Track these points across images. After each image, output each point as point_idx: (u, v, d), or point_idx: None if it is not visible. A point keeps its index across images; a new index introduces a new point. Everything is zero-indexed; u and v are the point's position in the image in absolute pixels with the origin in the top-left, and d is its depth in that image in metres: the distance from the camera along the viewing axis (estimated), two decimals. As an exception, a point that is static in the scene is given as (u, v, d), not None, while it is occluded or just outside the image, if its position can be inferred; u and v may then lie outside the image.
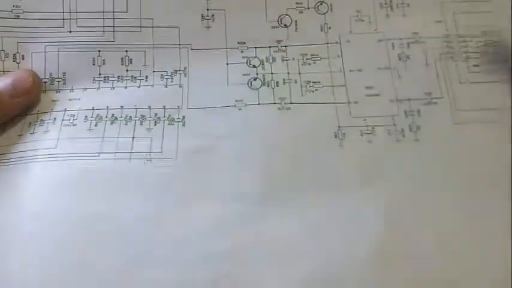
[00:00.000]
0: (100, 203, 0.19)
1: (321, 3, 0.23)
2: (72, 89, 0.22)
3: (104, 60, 0.22)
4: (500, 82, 0.22)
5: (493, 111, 0.21)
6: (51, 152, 0.20)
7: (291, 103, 0.22)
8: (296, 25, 0.23)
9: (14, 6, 0.22)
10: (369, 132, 0.21)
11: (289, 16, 0.23)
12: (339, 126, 0.21)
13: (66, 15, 0.22)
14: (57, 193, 0.19)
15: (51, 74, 0.22)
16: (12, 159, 0.20)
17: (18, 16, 0.22)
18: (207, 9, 0.23)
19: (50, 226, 0.19)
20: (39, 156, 0.20)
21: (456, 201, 0.20)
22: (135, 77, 0.22)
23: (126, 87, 0.22)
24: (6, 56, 0.22)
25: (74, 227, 0.19)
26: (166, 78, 0.22)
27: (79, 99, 0.22)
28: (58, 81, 0.22)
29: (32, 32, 0.22)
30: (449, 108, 0.21)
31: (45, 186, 0.19)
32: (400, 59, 0.22)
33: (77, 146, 0.20)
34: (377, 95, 0.22)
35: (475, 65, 0.22)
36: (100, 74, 0.22)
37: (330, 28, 0.23)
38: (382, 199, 0.19)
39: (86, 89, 0.22)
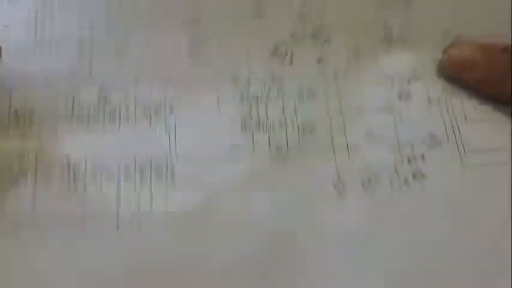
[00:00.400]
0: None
1: (319, 36, 0.22)
2: (41, 129, 0.20)
3: (79, 98, 0.20)
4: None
5: (505, 151, 0.20)
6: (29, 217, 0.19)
7: (288, 151, 0.20)
8: (292, 58, 0.22)
9: None
10: (369, 182, 0.20)
11: (285, 49, 0.22)
12: (338, 176, 0.20)
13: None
14: (30, 267, 0.18)
15: (16, 111, 0.20)
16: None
17: None
18: (195, 40, 0.21)
19: None
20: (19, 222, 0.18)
21: (469, 263, 0.18)
22: (115, 116, 0.20)
23: (104, 128, 0.20)
24: None
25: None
26: (151, 118, 0.20)
27: (51, 143, 0.20)
28: (23, 119, 0.20)
29: None
30: (456, 150, 0.20)
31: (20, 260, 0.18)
32: (400, 97, 0.21)
33: (58, 212, 0.19)
34: (378, 139, 0.20)
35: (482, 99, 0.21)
36: (73, 114, 0.20)
37: (327, 63, 0.22)
38: (383, 260, 0.18)
39: (56, 129, 0.20)
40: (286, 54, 0.21)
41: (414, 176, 0.20)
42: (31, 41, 0.21)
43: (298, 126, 0.20)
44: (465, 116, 0.20)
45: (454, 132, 0.20)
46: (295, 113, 0.21)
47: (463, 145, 0.20)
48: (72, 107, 0.20)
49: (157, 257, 0.18)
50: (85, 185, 0.19)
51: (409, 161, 0.20)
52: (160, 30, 0.21)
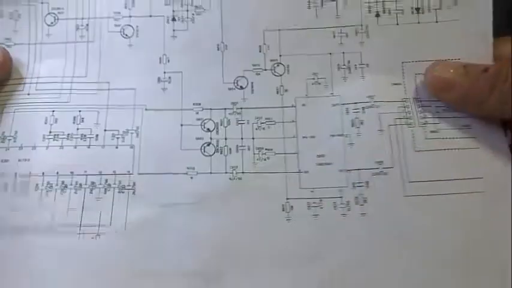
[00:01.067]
0: (51, 281, 0.20)
1: (278, 65, 0.23)
2: (22, 147, 0.22)
3: (56, 119, 0.23)
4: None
5: (451, 182, 0.21)
6: (5, 223, 0.21)
7: (243, 173, 0.22)
8: (252, 87, 0.23)
9: None
10: (315, 205, 0.21)
11: (245, 78, 0.23)
12: (287, 198, 0.21)
13: (28, 80, 0.23)
14: (10, 269, 0.20)
15: (3, 133, 0.23)
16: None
17: None
18: (164, 72, 0.23)
19: None
20: None
21: (408, 280, 0.20)
22: (85, 135, 0.22)
23: (75, 147, 0.22)
24: None
25: None
26: (117, 138, 0.22)
27: (28, 159, 0.22)
28: (9, 139, 0.23)
29: None
30: (400, 179, 0.21)
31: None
32: (353, 124, 0.22)
33: (30, 218, 0.21)
34: (328, 163, 0.22)
35: (432, 131, 0.22)
36: (50, 132, 0.22)
37: (286, 91, 0.23)
38: (320, 278, 0.20)
39: (35, 147, 0.22)
40: (247, 85, 0.23)
41: (356, 202, 0.21)
42: None
43: (254, 150, 0.22)
44: (414, 146, 0.21)
45: (400, 161, 0.21)
46: (252, 138, 0.22)
47: (407, 174, 0.21)
48: (50, 129, 0.23)
49: (113, 266, 0.20)
50: (55, 197, 0.21)
51: (353, 185, 0.21)
52: (136, 67, 0.23)
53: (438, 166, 0.21)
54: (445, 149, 0.21)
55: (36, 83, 0.23)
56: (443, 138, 0.22)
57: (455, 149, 0.21)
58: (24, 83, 0.23)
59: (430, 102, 0.22)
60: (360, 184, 0.21)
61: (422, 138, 0.22)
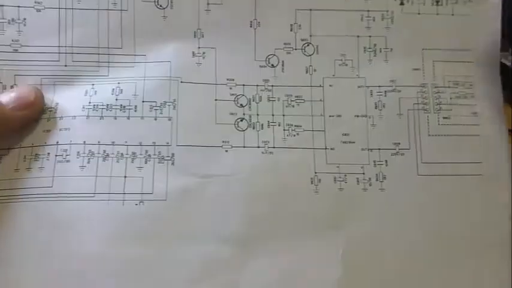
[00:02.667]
0: (95, 245, 0.21)
1: (308, 45, 0.24)
2: (62, 117, 0.23)
3: (96, 91, 0.23)
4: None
5: (458, 165, 0.23)
6: (48, 191, 0.22)
7: (274, 147, 0.23)
8: (283, 65, 0.24)
9: (12, 40, 0.23)
10: (341, 179, 0.23)
11: (276, 56, 0.24)
12: (315, 172, 0.23)
13: (62, 49, 0.23)
14: (55, 234, 0.21)
15: (45, 104, 0.23)
16: (10, 196, 0.22)
17: (17, 50, 0.23)
18: (199, 47, 0.24)
19: (48, 265, 0.21)
20: (37, 196, 0.22)
21: (417, 250, 0.23)
22: (124, 106, 0.23)
23: (115, 118, 0.23)
24: (4, 87, 0.23)
25: (70, 269, 0.21)
26: (156, 109, 0.23)
27: (69, 129, 0.23)
28: (50, 111, 0.23)
29: (28, 65, 0.23)
30: (415, 159, 0.24)
31: (43, 227, 0.21)
32: (376, 107, 0.24)
33: (72, 185, 0.22)
34: (352, 142, 0.24)
35: (445, 117, 0.24)
36: (90, 102, 0.23)
37: (315, 70, 0.24)
38: (342, 246, 0.22)
39: (75, 117, 0.23)
40: (277, 63, 0.24)
41: (377, 178, 0.23)
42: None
43: (284, 126, 0.24)
44: (428, 131, 0.24)
45: (415, 144, 0.24)
46: (283, 115, 0.24)
47: (421, 155, 0.24)
48: (90, 100, 0.23)
49: (154, 230, 0.22)
50: (97, 165, 0.22)
51: (374, 163, 0.24)
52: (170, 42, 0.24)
53: (446, 149, 0.24)
54: (453, 135, 0.24)
55: (72, 53, 0.23)
56: (452, 125, 0.24)
57: (461, 135, 0.24)
58: (59, 53, 0.23)
59: (444, 88, 0.25)
60: (380, 162, 0.24)
61: (435, 123, 0.24)
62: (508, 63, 0.40)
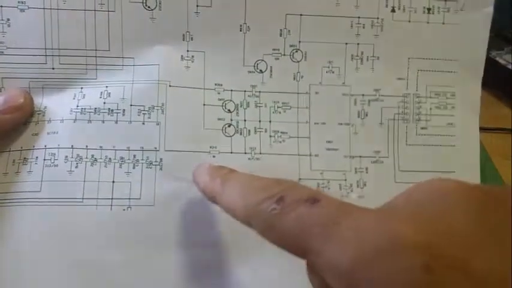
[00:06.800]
0: (83, 250, 0.22)
1: (297, 51, 0.25)
2: (50, 121, 0.23)
3: (84, 95, 0.23)
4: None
5: (433, 174, 0.25)
6: (36, 195, 0.22)
7: (260, 153, 0.24)
8: (271, 71, 0.24)
9: None
10: (324, 185, 0.24)
11: (265, 62, 0.24)
12: (299, 178, 0.24)
13: (49, 52, 0.22)
14: (43, 239, 0.22)
15: (34, 107, 0.23)
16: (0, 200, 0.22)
17: (3, 52, 0.22)
18: (187, 50, 0.24)
19: (36, 269, 0.21)
20: (25, 200, 0.22)
21: None
22: (112, 110, 0.23)
23: (103, 122, 0.23)
24: None
25: (59, 274, 0.21)
26: (144, 114, 0.23)
27: (57, 132, 0.23)
28: (38, 114, 0.23)
29: (16, 68, 0.22)
30: (392, 167, 0.25)
31: (32, 232, 0.22)
32: (359, 115, 0.25)
33: (61, 190, 0.22)
34: (335, 149, 0.25)
35: (422, 128, 0.25)
36: (78, 106, 0.23)
37: (302, 77, 0.25)
38: None
39: (63, 120, 0.23)
40: (266, 69, 0.24)
41: (358, 185, 0.25)
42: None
43: (270, 133, 0.24)
44: (406, 140, 0.25)
45: (393, 152, 0.25)
46: (269, 121, 0.24)
47: (399, 164, 0.25)
48: (78, 103, 0.23)
49: (143, 236, 0.23)
50: (85, 169, 0.23)
51: (355, 170, 0.25)
52: (159, 44, 0.23)
53: (422, 159, 0.25)
54: (429, 145, 0.25)
55: (59, 55, 0.23)
56: (429, 135, 0.25)
57: (436, 145, 0.25)
58: (46, 55, 0.22)
59: (426, 98, 0.26)
60: (361, 169, 0.25)
61: (413, 134, 0.25)
62: (503, 62, 0.41)
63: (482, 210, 0.13)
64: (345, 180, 0.25)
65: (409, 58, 0.25)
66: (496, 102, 0.43)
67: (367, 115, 0.25)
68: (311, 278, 0.15)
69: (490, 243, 0.12)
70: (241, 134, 0.24)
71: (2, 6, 0.22)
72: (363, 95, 0.25)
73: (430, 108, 0.25)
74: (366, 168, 0.25)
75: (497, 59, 0.40)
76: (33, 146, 0.22)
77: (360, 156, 0.25)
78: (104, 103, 0.23)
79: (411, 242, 0.12)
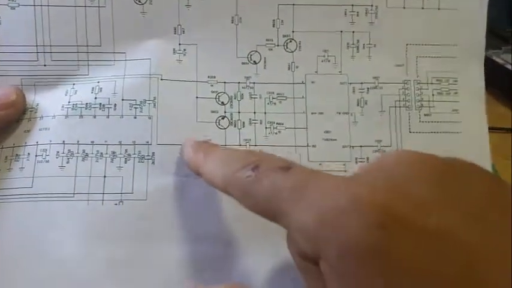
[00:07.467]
0: (74, 245, 0.21)
1: (290, 41, 0.24)
2: (42, 117, 0.23)
3: (76, 91, 0.23)
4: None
5: None
6: (28, 191, 0.22)
7: (255, 145, 0.23)
8: (265, 62, 0.24)
9: None
10: (322, 177, 0.23)
11: (258, 53, 0.24)
12: (296, 170, 0.23)
13: (40, 49, 0.22)
14: (35, 234, 0.21)
15: (26, 104, 0.23)
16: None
17: None
18: (179, 44, 0.23)
19: (28, 265, 0.21)
20: (16, 196, 0.22)
21: None
22: (104, 105, 0.23)
23: (95, 117, 0.23)
24: None
25: (49, 270, 0.21)
26: (135, 108, 0.23)
27: (48, 128, 0.23)
28: (31, 111, 0.23)
29: (7, 65, 0.23)
30: None
31: (22, 228, 0.21)
32: (358, 104, 0.24)
33: (52, 186, 0.22)
34: (334, 139, 0.24)
35: (426, 115, 0.24)
36: (69, 102, 0.23)
37: (297, 67, 0.24)
38: None
39: (54, 116, 0.23)
40: (259, 60, 0.24)
41: (359, 176, 0.24)
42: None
43: (265, 124, 0.23)
44: (409, 128, 0.24)
45: (397, 141, 0.24)
46: (264, 112, 0.24)
47: None
48: (69, 99, 0.23)
49: (135, 230, 0.22)
50: (77, 164, 0.22)
51: (356, 160, 0.24)
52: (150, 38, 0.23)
53: (427, 147, 0.24)
54: (433, 132, 0.24)
55: (50, 52, 0.23)
56: (433, 122, 0.24)
57: (441, 132, 0.24)
58: (37, 52, 0.23)
59: (427, 84, 0.24)
60: (362, 159, 0.24)
61: (416, 121, 0.24)
62: (501, 62, 0.40)
63: (443, 178, 0.13)
64: (345, 171, 0.23)
65: (407, 44, 0.24)
66: (494, 102, 0.42)
67: (366, 103, 0.24)
68: (289, 247, 0.15)
69: (447, 206, 0.13)
70: (235, 126, 0.23)
71: (-8, 4, 0.22)
72: (362, 83, 0.24)
73: (433, 95, 0.24)
74: (367, 158, 0.24)
75: (493, 58, 0.39)
76: (25, 143, 0.22)
77: (361, 146, 0.24)
78: (95, 98, 0.23)
79: (368, 202, 0.13)
